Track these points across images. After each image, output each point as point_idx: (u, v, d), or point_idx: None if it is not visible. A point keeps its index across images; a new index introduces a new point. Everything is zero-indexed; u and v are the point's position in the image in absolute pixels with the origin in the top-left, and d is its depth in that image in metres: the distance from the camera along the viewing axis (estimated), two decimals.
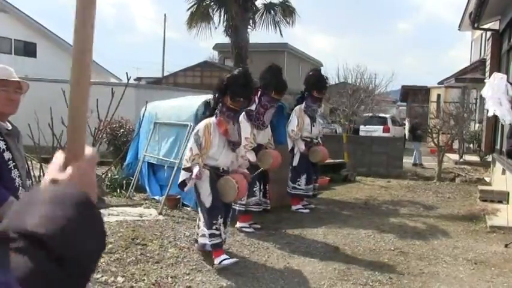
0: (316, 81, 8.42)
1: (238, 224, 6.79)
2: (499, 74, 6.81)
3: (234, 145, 5.55)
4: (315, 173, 8.60)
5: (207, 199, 5.30)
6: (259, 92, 6.92)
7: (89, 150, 0.87)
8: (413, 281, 5.06)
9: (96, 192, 0.87)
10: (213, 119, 5.44)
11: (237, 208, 6.80)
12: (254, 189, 6.84)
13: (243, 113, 6.80)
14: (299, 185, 8.28)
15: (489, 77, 7.56)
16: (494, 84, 6.14)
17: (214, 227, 5.23)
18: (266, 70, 7.12)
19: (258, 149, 6.98)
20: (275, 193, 8.21)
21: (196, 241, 5.66)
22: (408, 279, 5.13)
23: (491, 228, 7.24)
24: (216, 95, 5.56)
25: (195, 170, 5.17)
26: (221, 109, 5.48)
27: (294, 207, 8.32)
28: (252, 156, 6.79)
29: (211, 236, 5.24)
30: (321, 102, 9.07)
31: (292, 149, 8.30)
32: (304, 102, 8.42)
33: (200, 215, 5.55)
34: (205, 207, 5.33)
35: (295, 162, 8.28)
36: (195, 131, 5.47)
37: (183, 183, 5.43)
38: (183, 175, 5.44)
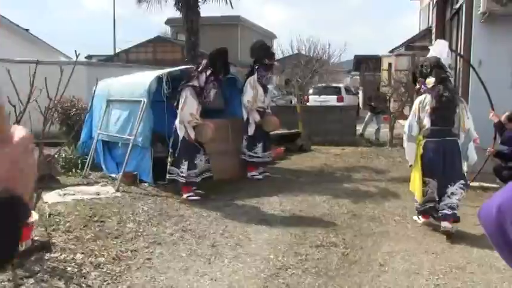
0: (264, 50, 8.82)
1: (184, 195, 6.99)
2: (441, 41, 7.05)
3: None
4: (268, 140, 8.86)
5: None
6: (208, 71, 7.14)
7: (19, 132, 0.76)
8: (365, 241, 5.33)
9: (28, 180, 0.77)
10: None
11: (180, 180, 7.07)
12: (195, 162, 7.08)
13: (190, 88, 7.04)
14: (255, 153, 8.50)
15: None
16: (437, 51, 6.36)
17: None
18: (216, 52, 7.43)
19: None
20: (231, 164, 8.36)
21: None
22: (360, 239, 5.39)
23: None
24: None
25: None
26: None
27: (249, 174, 8.54)
28: (193, 134, 7.01)
29: None
30: (272, 69, 9.26)
31: (248, 119, 8.46)
32: (255, 74, 8.56)
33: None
34: None
35: (251, 131, 8.46)
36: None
37: None
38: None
